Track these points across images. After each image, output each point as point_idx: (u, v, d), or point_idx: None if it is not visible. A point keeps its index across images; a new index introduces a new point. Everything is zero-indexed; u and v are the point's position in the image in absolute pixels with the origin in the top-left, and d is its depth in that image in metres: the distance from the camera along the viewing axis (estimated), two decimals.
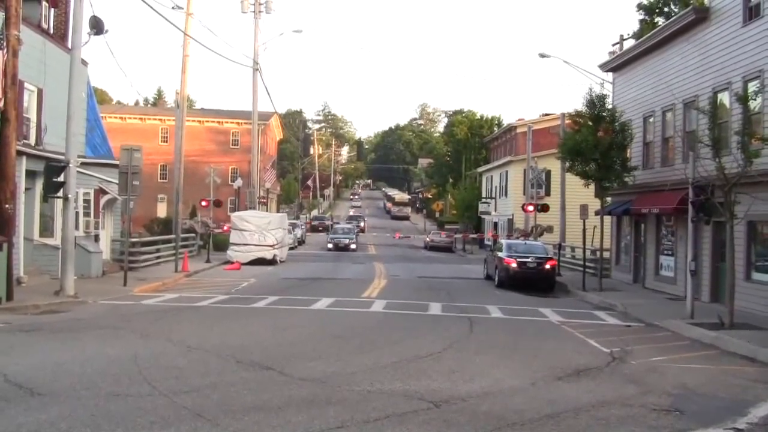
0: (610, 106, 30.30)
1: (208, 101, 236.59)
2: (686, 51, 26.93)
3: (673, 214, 26.55)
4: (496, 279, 30.95)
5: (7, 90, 19.02)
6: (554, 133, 49.93)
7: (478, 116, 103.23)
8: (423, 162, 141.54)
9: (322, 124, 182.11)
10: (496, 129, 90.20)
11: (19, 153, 21.31)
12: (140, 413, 8.81)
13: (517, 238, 39.05)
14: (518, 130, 68.83)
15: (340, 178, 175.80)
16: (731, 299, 18.39)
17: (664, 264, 28.89)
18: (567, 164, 31.50)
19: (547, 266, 29.95)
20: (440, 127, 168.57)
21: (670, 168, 27.46)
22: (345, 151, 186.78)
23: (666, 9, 44.56)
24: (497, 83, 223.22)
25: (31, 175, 24.06)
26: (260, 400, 9.74)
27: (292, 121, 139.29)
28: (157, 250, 35.48)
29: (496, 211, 64.85)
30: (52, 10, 27.42)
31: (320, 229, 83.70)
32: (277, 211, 78.42)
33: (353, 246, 57.90)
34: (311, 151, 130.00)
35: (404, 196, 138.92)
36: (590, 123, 28.89)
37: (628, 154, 29.84)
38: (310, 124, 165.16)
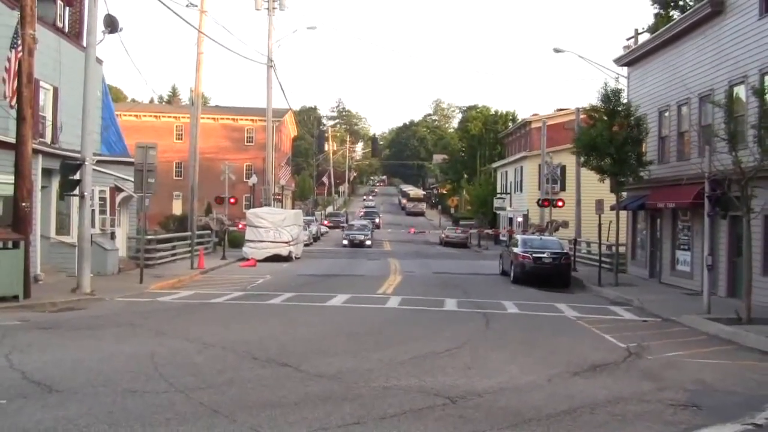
0: (625, 101, 30.22)
1: (222, 98, 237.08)
2: (702, 44, 26.74)
3: (689, 208, 26.41)
4: (512, 275, 30.86)
5: (23, 89, 19.13)
6: (569, 128, 49.64)
7: (493, 112, 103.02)
8: (437, 158, 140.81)
9: (337, 121, 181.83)
10: (510, 124, 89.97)
11: (35, 151, 21.45)
12: (157, 410, 8.87)
13: (533, 233, 38.93)
14: (533, 126, 68.50)
15: (355, 174, 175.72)
16: (748, 294, 18.27)
17: (680, 259, 28.73)
18: (582, 159, 31.35)
19: (563, 262, 29.87)
20: (454, 123, 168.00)
21: (685, 162, 27.28)
22: (359, 147, 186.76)
23: (681, 2, 44.34)
24: (511, 78, 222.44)
25: (47, 173, 24.21)
26: (276, 397, 9.77)
27: (307, 117, 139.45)
28: (173, 248, 35.61)
29: (511, 206, 64.64)
30: (67, 8, 27.58)
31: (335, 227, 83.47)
32: (292, 208, 78.45)
33: (368, 242, 58.03)
34: (326, 148, 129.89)
35: (419, 192, 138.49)
36: (605, 118, 28.78)
37: (643, 149, 29.70)
38: (324, 121, 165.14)
